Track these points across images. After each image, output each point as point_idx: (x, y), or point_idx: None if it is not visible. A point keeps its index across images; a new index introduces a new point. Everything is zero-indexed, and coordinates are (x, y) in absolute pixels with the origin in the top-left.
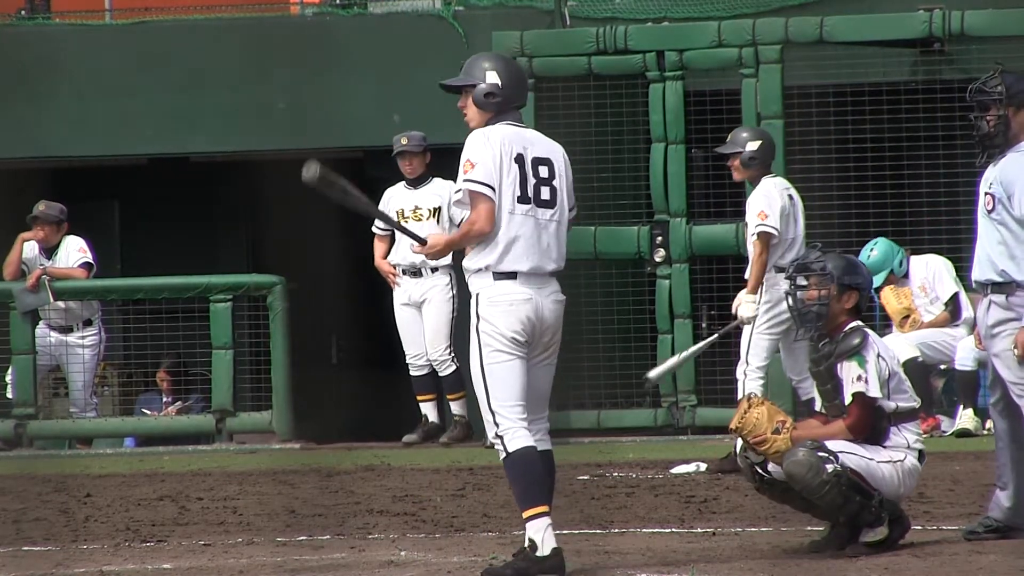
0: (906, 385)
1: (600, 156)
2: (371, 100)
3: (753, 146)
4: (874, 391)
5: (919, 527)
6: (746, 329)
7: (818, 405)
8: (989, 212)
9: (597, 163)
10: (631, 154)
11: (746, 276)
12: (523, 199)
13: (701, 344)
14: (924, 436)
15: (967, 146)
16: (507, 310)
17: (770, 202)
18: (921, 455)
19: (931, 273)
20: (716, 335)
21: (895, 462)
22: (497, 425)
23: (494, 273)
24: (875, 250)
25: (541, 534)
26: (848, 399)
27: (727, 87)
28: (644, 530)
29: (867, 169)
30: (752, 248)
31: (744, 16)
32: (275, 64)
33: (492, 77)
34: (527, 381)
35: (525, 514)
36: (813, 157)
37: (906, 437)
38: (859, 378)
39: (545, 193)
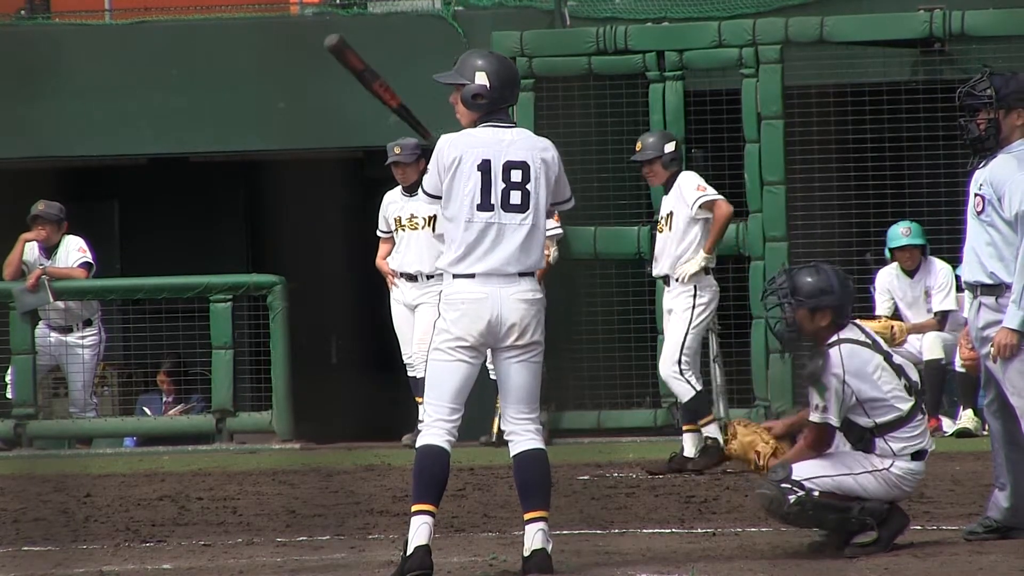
0: (888, 398)
1: (600, 156)
2: (371, 100)
3: (671, 147)
4: (833, 419)
5: (919, 527)
6: (677, 326)
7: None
8: (979, 213)
9: (597, 163)
10: (631, 154)
11: (679, 265)
12: (484, 207)
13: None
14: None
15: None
16: (461, 310)
17: (703, 180)
18: (918, 455)
19: (945, 280)
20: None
21: (877, 471)
22: (426, 416)
23: (453, 274)
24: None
25: (412, 531)
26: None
27: (727, 87)
28: (644, 530)
29: (867, 169)
30: (696, 217)
31: (744, 16)
32: (275, 64)
33: (481, 79)
34: (464, 385)
35: (411, 508)
36: (813, 157)
37: (891, 447)
38: (817, 407)
39: (515, 198)
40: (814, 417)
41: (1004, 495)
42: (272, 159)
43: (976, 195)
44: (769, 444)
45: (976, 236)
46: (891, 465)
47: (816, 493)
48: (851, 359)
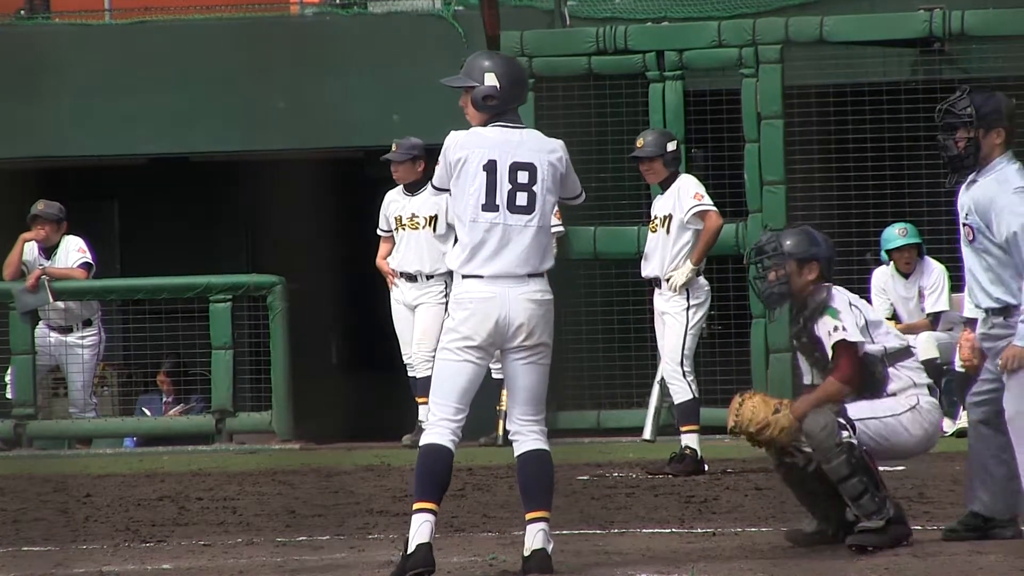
0: (887, 326)
1: (600, 156)
2: (371, 100)
3: (672, 145)
4: (853, 335)
5: (919, 527)
6: (675, 328)
7: (808, 379)
8: (971, 242)
9: (597, 163)
10: (632, 151)
11: (670, 270)
12: (489, 207)
13: (659, 377)
14: None
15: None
16: (470, 310)
17: (702, 188)
18: (931, 389)
19: (938, 281)
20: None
21: (913, 408)
22: (430, 415)
23: (462, 274)
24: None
25: (414, 529)
26: (831, 352)
27: (727, 87)
28: (644, 530)
29: (867, 169)
30: (687, 224)
31: (744, 16)
32: (275, 64)
33: (491, 80)
34: (470, 385)
35: (413, 506)
36: (813, 157)
37: (909, 376)
38: (835, 328)
39: (521, 199)
40: (836, 337)
41: (982, 485)
42: (272, 159)
43: (965, 225)
44: (785, 404)
45: (973, 263)
46: (919, 401)
47: (864, 451)
48: (848, 292)
